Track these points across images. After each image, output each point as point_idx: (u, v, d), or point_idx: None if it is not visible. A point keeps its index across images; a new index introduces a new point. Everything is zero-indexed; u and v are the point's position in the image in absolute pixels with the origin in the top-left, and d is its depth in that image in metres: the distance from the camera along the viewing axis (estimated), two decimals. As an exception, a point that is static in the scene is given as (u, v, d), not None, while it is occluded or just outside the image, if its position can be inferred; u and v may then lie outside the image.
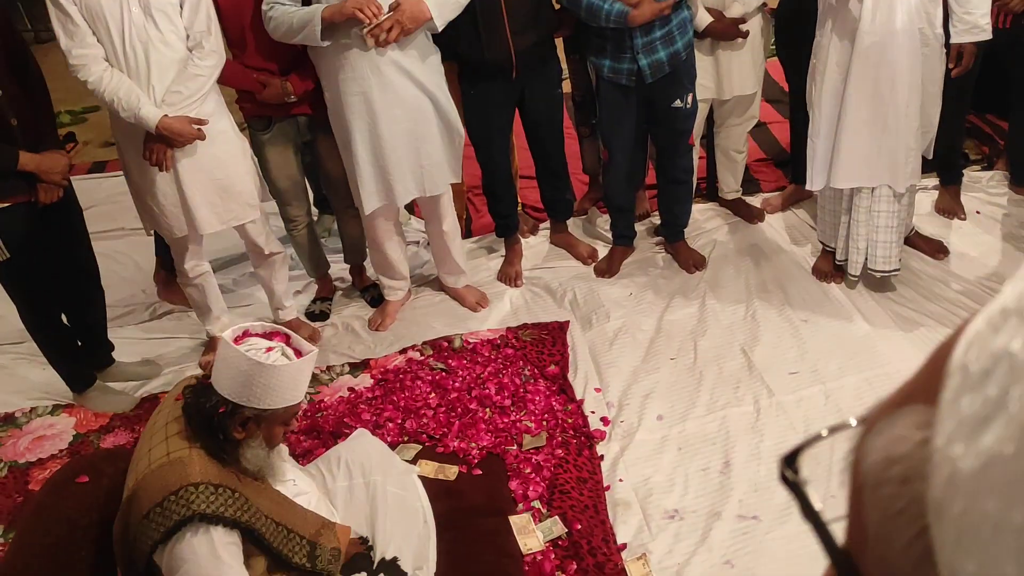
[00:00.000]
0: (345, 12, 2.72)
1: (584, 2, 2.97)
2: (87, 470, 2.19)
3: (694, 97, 3.26)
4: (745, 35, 3.33)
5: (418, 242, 3.96)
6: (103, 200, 4.47)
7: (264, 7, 2.84)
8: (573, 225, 3.89)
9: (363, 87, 2.88)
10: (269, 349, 1.86)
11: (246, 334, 1.89)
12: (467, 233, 4.01)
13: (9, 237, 2.73)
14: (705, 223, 3.84)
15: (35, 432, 3.11)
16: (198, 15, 2.74)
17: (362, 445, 2.47)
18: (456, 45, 3.11)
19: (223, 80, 2.90)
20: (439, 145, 3.10)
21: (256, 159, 3.19)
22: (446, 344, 3.25)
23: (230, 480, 1.82)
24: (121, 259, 4.09)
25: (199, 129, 2.78)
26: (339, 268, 3.77)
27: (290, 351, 1.89)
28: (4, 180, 2.67)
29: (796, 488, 0.33)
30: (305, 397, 2.98)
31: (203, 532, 1.73)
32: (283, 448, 2.25)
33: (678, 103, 3.21)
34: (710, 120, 3.74)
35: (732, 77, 3.42)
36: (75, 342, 3.16)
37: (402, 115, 2.97)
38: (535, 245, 3.86)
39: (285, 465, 2.07)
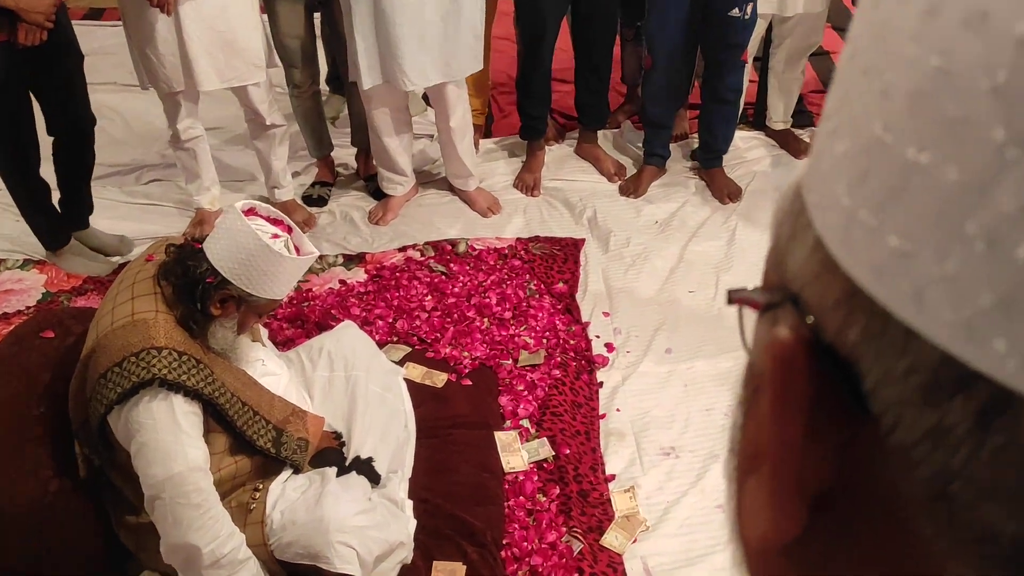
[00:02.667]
0: None
1: None
2: (54, 326, 2.23)
3: (754, 8, 3.17)
4: None
5: (431, 136, 3.92)
6: (96, 51, 4.40)
7: None
8: (603, 138, 3.85)
9: None
10: (276, 236, 1.87)
11: (254, 212, 1.90)
12: (487, 133, 3.97)
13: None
14: (747, 152, 3.79)
15: (3, 285, 3.14)
16: None
17: (348, 338, 2.49)
18: None
19: None
20: (456, 28, 3.02)
21: (267, 16, 3.14)
22: (449, 247, 3.25)
23: (195, 350, 1.84)
24: (110, 115, 4.06)
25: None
26: (344, 153, 3.75)
27: (291, 245, 1.90)
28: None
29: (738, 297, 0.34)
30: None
31: (162, 398, 1.75)
32: (262, 329, 2.28)
33: (735, 11, 3.13)
34: (767, 40, 3.66)
35: None
36: (51, 197, 3.15)
37: None
38: (559, 154, 3.82)
39: (255, 347, 2.09)
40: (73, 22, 3.01)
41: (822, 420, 0.28)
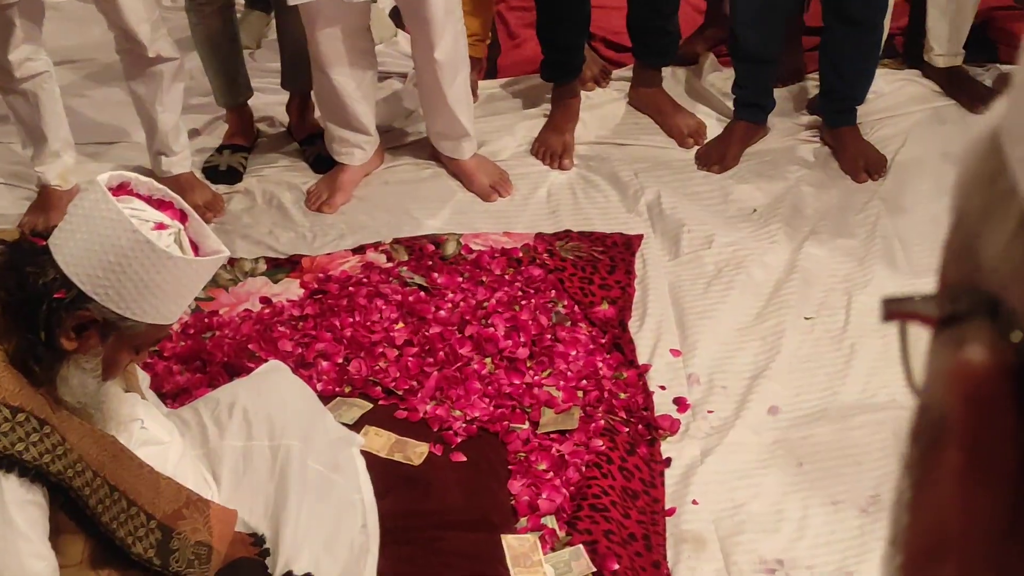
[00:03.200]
0: None
1: None
2: None
3: None
4: None
5: (404, 76, 3.94)
6: None
7: None
8: (671, 79, 3.86)
9: None
10: (161, 226, 1.88)
11: (126, 188, 1.90)
12: (490, 71, 3.98)
13: None
14: (895, 102, 3.81)
15: None
16: None
17: (275, 388, 2.51)
18: None
19: None
20: None
21: None
22: (432, 247, 3.27)
23: (38, 406, 1.85)
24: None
25: None
26: (270, 101, 3.78)
27: (186, 241, 1.91)
28: None
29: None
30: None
31: None
32: (140, 373, 2.29)
33: None
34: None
35: None
36: None
37: None
38: (602, 104, 3.84)
39: (128, 398, 2.09)
40: None
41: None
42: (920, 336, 0.35)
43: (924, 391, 0.34)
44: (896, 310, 0.35)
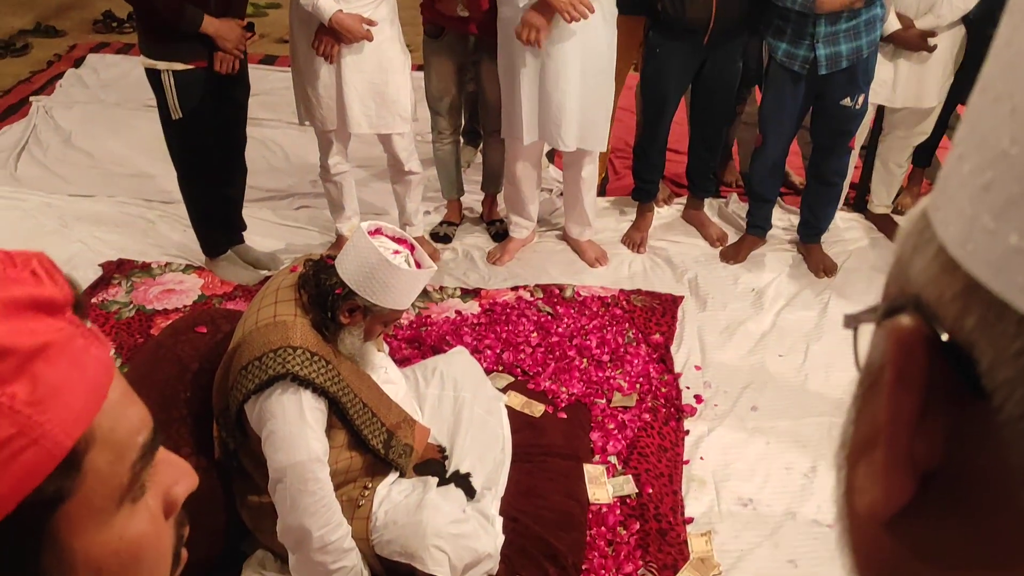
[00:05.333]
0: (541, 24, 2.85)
1: (774, -22, 2.87)
2: (207, 322, 2.33)
3: (865, 98, 3.11)
4: (931, 49, 3.14)
5: (551, 190, 3.97)
6: (267, 91, 4.66)
7: None
8: (709, 206, 3.81)
9: None
10: (396, 252, 1.92)
11: (379, 231, 1.95)
12: (602, 192, 3.99)
13: (184, 99, 2.88)
14: (845, 232, 3.69)
15: (166, 284, 3.30)
16: None
17: (459, 362, 2.53)
18: (652, 0, 3.07)
19: None
20: (596, 102, 3.11)
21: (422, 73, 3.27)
22: (557, 291, 3.26)
23: (326, 352, 1.90)
24: (273, 148, 4.27)
25: (368, 30, 2.85)
26: (471, 199, 3.82)
27: (412, 260, 1.95)
28: (188, 42, 2.81)
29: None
30: (412, 308, 3.07)
31: (292, 392, 1.81)
32: (384, 344, 2.33)
33: (847, 101, 3.08)
34: (876, 128, 3.58)
35: (910, 87, 3.24)
36: (217, 211, 3.32)
37: (572, 63, 2.98)
38: (666, 217, 3.81)
39: (379, 356, 2.14)
40: (250, 65, 3.18)
41: (936, 399, 0.29)
42: (864, 335, 0.35)
43: (868, 355, 0.34)
44: (853, 319, 0.35)
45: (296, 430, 1.81)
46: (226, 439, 1.97)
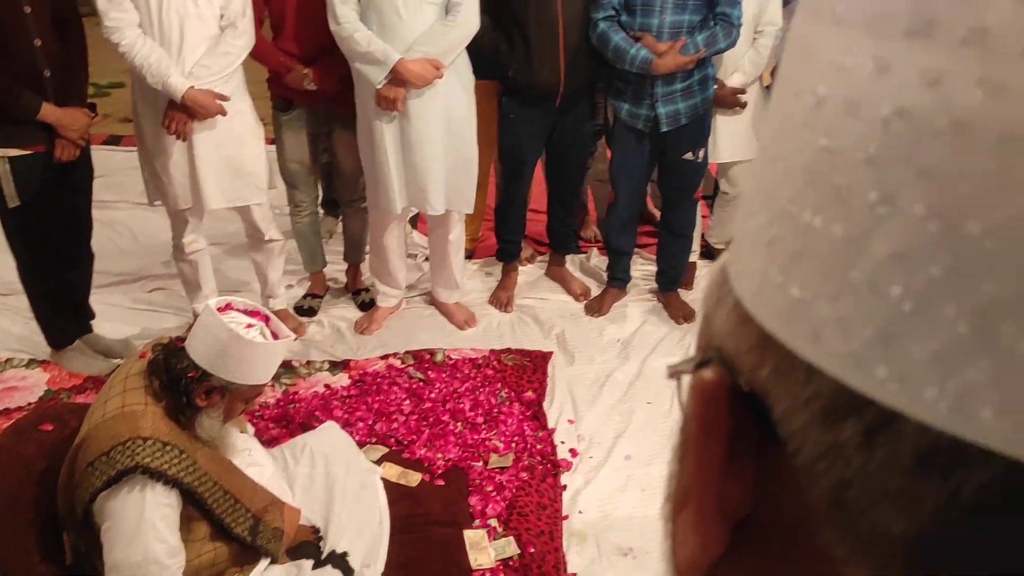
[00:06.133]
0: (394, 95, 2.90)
1: (611, 43, 3.03)
2: (53, 419, 2.18)
3: (706, 153, 3.30)
4: (743, 105, 3.37)
5: (415, 255, 3.98)
6: (112, 172, 4.50)
7: (336, 23, 2.88)
8: (570, 262, 3.91)
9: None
10: (249, 326, 1.86)
11: (229, 307, 1.89)
12: (471, 254, 4.02)
13: (23, 185, 2.74)
14: (701, 279, 3.86)
15: (7, 382, 3.09)
16: None
17: (329, 437, 2.47)
18: (504, 66, 3.16)
19: (254, 55, 2.98)
20: (465, 164, 3.17)
21: (275, 141, 3.26)
22: (428, 356, 3.25)
23: (181, 441, 1.81)
24: (120, 230, 4.12)
25: (221, 105, 2.82)
26: (334, 269, 3.78)
27: (268, 332, 1.89)
28: (25, 126, 2.68)
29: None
30: (279, 385, 2.99)
31: (139, 489, 1.71)
32: (247, 425, 2.25)
33: (689, 155, 3.25)
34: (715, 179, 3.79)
35: (724, 143, 3.43)
36: (62, 300, 3.14)
37: (434, 128, 3.03)
38: (531, 275, 3.88)
39: (242, 438, 2.06)
40: (93, 147, 3.07)
41: (742, 449, 0.29)
42: (686, 382, 0.36)
43: (684, 411, 0.35)
44: (674, 370, 0.35)
45: (136, 527, 1.70)
46: (76, 543, 1.83)
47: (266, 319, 1.90)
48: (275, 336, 1.88)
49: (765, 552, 0.30)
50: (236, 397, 1.88)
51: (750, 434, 0.29)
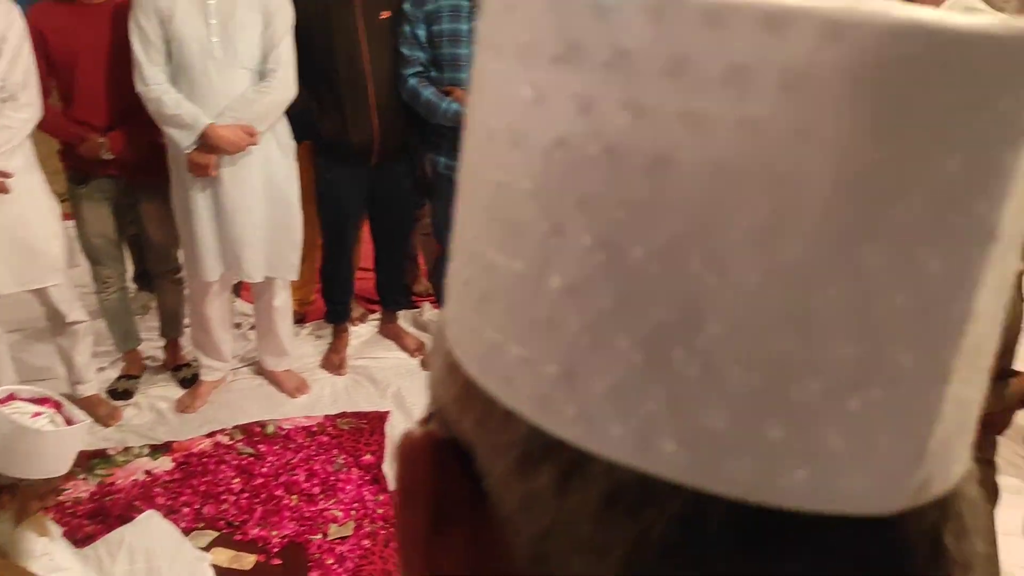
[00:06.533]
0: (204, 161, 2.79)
1: (422, 98, 3.05)
2: None
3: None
4: None
5: (239, 325, 3.82)
6: None
7: (144, 84, 2.76)
8: (403, 318, 3.87)
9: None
10: (37, 414, 1.72)
11: (12, 397, 1.74)
12: (301, 319, 3.90)
13: None
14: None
15: None
16: (15, 68, 2.62)
17: (149, 528, 2.30)
18: (318, 125, 3.12)
19: (43, 127, 2.79)
20: (287, 230, 3.09)
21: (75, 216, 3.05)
22: (258, 429, 3.11)
23: None
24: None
25: (2, 182, 2.61)
26: (151, 347, 3.56)
27: (60, 419, 1.75)
28: None
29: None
30: (92, 477, 2.77)
31: None
32: (52, 525, 2.06)
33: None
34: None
35: None
36: None
37: (253, 193, 2.95)
38: (363, 334, 3.81)
39: (41, 542, 1.87)
40: None
41: (449, 508, 0.28)
42: None
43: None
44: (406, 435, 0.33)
45: None
46: None
47: (57, 405, 1.76)
48: (69, 422, 1.74)
49: None
50: (28, 495, 1.71)
51: (458, 492, 0.27)
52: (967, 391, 0.23)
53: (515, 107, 0.25)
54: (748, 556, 0.22)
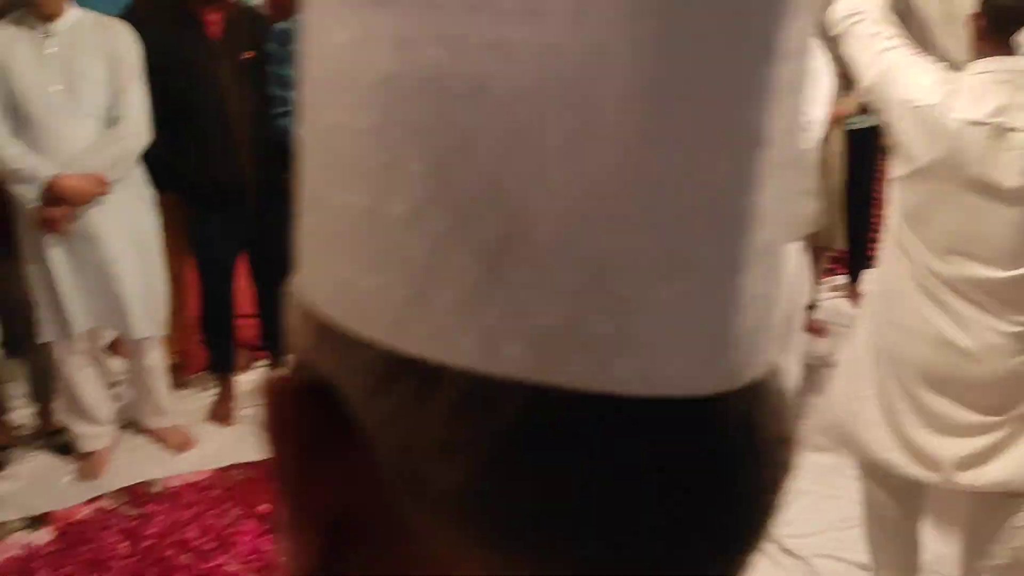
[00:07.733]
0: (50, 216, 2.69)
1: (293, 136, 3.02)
2: None
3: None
4: None
5: (113, 384, 3.65)
6: None
7: None
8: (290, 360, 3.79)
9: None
10: None
11: None
12: (179, 369, 3.76)
13: None
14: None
15: None
16: None
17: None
18: (180, 172, 3.05)
19: None
20: (154, 286, 3.01)
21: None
22: (144, 490, 2.97)
23: None
24: None
25: None
26: (23, 415, 3.37)
27: None
28: None
29: None
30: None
31: None
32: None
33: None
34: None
35: None
36: None
37: (122, 246, 2.86)
38: (250, 383, 3.70)
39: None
40: None
41: (316, 440, 0.29)
42: None
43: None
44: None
45: None
46: None
47: None
48: None
49: (367, 548, 0.29)
50: None
51: (326, 431, 0.29)
52: (764, 288, 0.26)
53: (341, 51, 0.27)
54: (591, 442, 0.24)
